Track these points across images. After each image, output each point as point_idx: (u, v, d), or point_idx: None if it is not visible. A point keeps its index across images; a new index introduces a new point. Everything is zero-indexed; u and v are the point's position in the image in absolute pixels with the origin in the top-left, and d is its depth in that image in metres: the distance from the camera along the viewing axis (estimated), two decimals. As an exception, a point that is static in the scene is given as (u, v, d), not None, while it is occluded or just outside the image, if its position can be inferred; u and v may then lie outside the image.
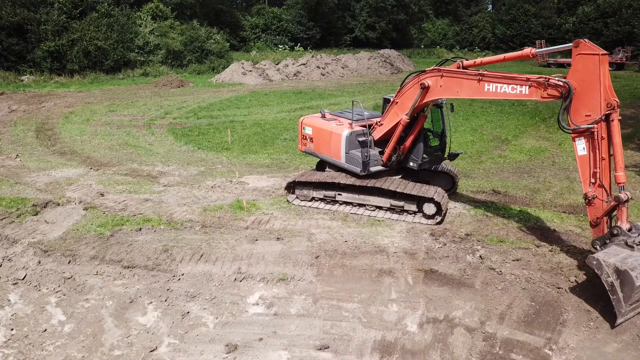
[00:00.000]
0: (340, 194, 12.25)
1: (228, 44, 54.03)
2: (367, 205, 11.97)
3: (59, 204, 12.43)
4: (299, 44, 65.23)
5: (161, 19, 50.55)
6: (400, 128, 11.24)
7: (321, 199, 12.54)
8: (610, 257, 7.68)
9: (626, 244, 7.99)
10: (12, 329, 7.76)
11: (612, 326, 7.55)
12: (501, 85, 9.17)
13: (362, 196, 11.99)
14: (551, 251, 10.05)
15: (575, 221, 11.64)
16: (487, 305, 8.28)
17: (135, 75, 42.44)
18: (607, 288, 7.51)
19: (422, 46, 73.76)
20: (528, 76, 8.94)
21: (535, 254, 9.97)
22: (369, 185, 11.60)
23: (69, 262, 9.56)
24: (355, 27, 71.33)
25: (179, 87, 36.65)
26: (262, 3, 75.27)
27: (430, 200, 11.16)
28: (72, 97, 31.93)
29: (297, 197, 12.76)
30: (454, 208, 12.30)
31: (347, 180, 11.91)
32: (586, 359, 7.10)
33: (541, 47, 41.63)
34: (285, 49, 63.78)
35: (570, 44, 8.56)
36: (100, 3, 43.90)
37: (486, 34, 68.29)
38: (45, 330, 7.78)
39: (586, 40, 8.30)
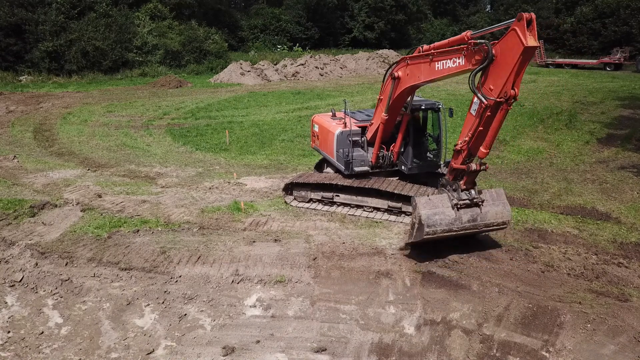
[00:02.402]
0: (338, 195, 12.24)
1: (226, 44, 53.93)
2: (365, 206, 11.97)
3: (56, 206, 12.40)
4: (297, 44, 65.15)
5: (159, 19, 50.42)
6: (381, 127, 11.27)
7: (319, 200, 12.53)
8: (426, 207, 9.22)
9: (452, 200, 9.30)
10: (8, 332, 7.74)
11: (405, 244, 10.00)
12: (445, 61, 9.20)
13: (359, 197, 11.99)
14: (549, 252, 10.07)
15: (573, 222, 11.66)
16: (485, 307, 8.28)
17: (134, 75, 42.37)
18: (410, 224, 9.66)
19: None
20: (463, 46, 8.85)
21: (532, 255, 9.98)
22: (366, 186, 11.59)
23: (66, 264, 9.54)
24: (354, 27, 71.24)
25: (177, 87, 36.58)
26: (260, 3, 75.15)
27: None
28: (70, 97, 31.87)
29: (294, 199, 12.75)
30: (452, 209, 12.28)
31: (344, 182, 11.90)
32: (583, 361, 7.11)
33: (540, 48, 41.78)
34: (283, 49, 63.68)
35: (507, 21, 8.14)
36: (99, 3, 43.81)
37: (485, 34, 68.35)
38: (42, 332, 7.76)
39: (531, 17, 7.57)
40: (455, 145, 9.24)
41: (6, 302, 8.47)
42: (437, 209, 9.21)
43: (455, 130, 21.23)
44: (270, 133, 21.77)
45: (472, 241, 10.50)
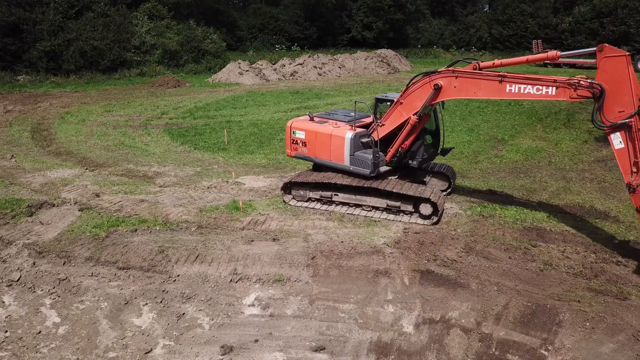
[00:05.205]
0: (337, 195, 12.22)
1: (225, 43, 53.81)
2: (364, 205, 11.96)
3: (54, 205, 12.37)
4: (295, 44, 65.14)
5: (158, 18, 50.31)
6: (408, 127, 11.32)
7: (317, 200, 12.51)
8: None
9: None
10: (6, 331, 7.72)
11: None
12: (525, 86, 9.43)
13: (358, 196, 11.97)
14: (548, 251, 10.07)
15: (572, 221, 11.66)
16: (484, 305, 8.28)
17: (132, 75, 42.26)
18: None
19: (419, 46, 73.77)
20: (555, 78, 9.20)
21: (531, 253, 9.98)
22: (365, 185, 11.57)
23: (63, 264, 9.51)
24: (352, 27, 71.25)
25: (175, 87, 36.51)
26: (258, 3, 75.12)
27: (427, 200, 11.16)
28: (68, 97, 31.80)
29: (293, 198, 12.73)
30: (451, 208, 12.30)
31: (343, 181, 11.88)
32: (582, 359, 7.11)
33: (537, 48, 42.09)
34: (282, 48, 63.67)
35: (592, 48, 9.11)
36: (97, 3, 43.69)
37: (483, 33, 68.23)
38: (39, 332, 7.74)
39: (607, 44, 9.02)
40: (629, 188, 8.99)
41: (3, 302, 8.44)
42: None
43: (454, 129, 21.26)
44: (269, 132, 21.75)
45: (470, 240, 10.52)
